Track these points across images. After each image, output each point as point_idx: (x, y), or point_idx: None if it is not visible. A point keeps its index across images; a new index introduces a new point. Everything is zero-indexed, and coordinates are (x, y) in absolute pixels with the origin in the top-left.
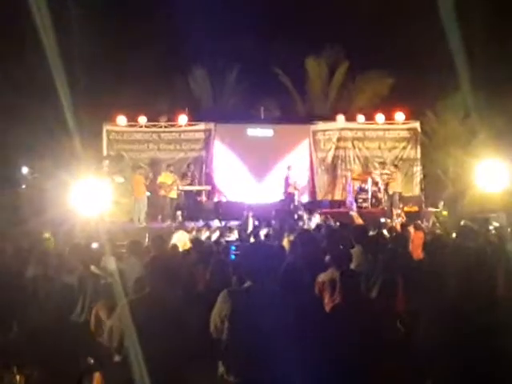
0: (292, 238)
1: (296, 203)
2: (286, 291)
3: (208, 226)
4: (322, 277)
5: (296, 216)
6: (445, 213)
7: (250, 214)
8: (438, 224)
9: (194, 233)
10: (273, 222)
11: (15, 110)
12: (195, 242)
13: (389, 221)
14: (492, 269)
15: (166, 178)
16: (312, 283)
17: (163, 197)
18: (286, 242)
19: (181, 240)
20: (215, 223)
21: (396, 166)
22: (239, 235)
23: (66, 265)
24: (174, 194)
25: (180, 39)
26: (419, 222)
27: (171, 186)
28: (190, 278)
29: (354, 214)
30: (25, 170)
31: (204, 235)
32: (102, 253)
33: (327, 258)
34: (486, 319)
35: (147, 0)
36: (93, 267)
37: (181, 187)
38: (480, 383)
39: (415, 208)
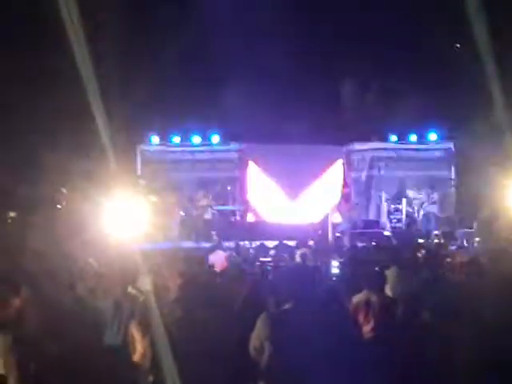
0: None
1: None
2: (327, 313)
3: (243, 247)
4: (357, 298)
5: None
6: None
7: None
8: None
9: (229, 253)
10: (309, 242)
11: (54, 134)
12: (232, 261)
13: (424, 241)
14: None
15: (200, 198)
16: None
17: (197, 217)
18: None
19: (217, 260)
20: (249, 244)
21: (432, 186)
22: (275, 256)
23: (102, 286)
24: (208, 215)
25: (214, 59)
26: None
27: (205, 206)
28: (226, 298)
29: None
30: (63, 191)
31: (239, 255)
32: (138, 273)
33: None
34: None
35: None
36: (130, 288)
37: (215, 207)
38: None
39: (449, 229)
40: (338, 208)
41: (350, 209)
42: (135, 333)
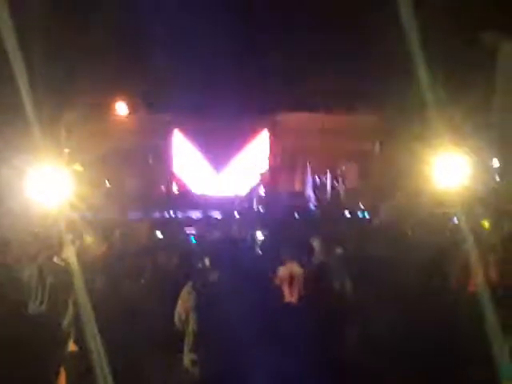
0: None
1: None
2: (249, 284)
3: (169, 217)
4: (281, 271)
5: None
6: None
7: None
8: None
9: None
10: (235, 214)
11: None
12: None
13: (349, 214)
14: (448, 263)
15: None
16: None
17: (122, 187)
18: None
19: (143, 230)
20: (174, 214)
21: (352, 158)
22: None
23: (26, 254)
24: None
25: (142, 26)
26: None
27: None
28: (151, 268)
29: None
30: None
31: (165, 226)
32: (62, 242)
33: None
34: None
35: None
36: (55, 258)
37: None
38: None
39: (374, 202)
40: (264, 180)
41: (276, 180)
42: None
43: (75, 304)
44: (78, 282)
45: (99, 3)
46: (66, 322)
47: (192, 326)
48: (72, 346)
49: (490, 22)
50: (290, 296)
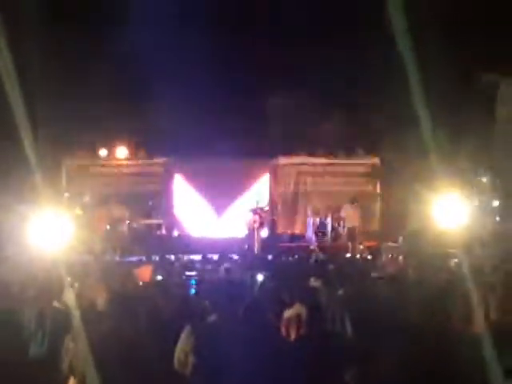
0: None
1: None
2: (248, 326)
3: (169, 260)
4: (288, 312)
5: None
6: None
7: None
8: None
9: (155, 267)
10: (234, 256)
11: None
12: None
13: (349, 256)
14: (449, 303)
15: (116, 211)
16: (277, 318)
17: (122, 231)
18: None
19: (143, 274)
20: (174, 258)
21: (354, 200)
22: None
23: (26, 297)
24: (123, 227)
25: (141, 75)
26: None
27: (121, 219)
28: (153, 311)
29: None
30: None
31: (165, 269)
32: (62, 286)
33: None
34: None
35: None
36: (55, 302)
37: (140, 221)
38: None
39: (374, 243)
40: (265, 222)
41: (276, 223)
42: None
43: (73, 347)
44: (78, 325)
45: (98, 54)
46: (64, 364)
47: (190, 368)
48: None
49: (489, 64)
50: (296, 337)
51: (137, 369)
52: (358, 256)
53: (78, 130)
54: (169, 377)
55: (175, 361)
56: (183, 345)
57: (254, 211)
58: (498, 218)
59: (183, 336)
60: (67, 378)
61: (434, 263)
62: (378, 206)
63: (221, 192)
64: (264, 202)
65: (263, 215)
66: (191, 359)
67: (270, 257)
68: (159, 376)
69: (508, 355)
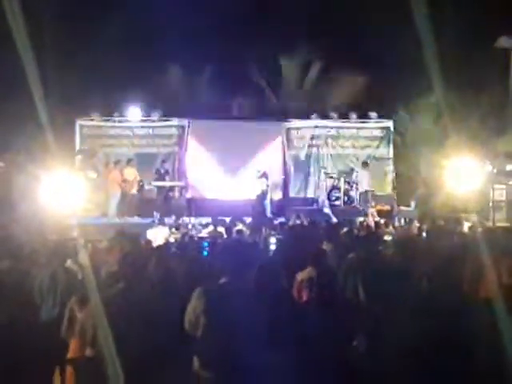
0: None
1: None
2: (260, 288)
3: (182, 222)
4: (301, 275)
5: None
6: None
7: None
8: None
9: (169, 229)
10: (245, 218)
11: None
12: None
13: (362, 219)
14: (460, 268)
15: (128, 173)
16: (288, 281)
17: (134, 193)
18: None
19: (158, 235)
20: (188, 219)
21: (366, 163)
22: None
23: (39, 259)
24: (134, 190)
25: (154, 37)
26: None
27: (132, 181)
28: (165, 273)
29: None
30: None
31: (179, 231)
32: (76, 247)
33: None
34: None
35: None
36: (69, 262)
37: (153, 183)
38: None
39: (387, 207)
40: (277, 185)
41: (288, 186)
42: (75, 308)
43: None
44: (91, 286)
45: (113, 10)
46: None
47: (201, 330)
48: (88, 351)
49: (503, 28)
50: (307, 299)
51: (150, 330)
52: (370, 219)
53: (91, 89)
54: (181, 338)
55: (186, 322)
56: (194, 306)
57: (265, 174)
58: (511, 182)
59: (194, 297)
60: (67, 341)
61: (446, 227)
62: (390, 170)
63: (234, 154)
64: (276, 166)
65: (273, 179)
66: (202, 320)
67: (282, 219)
68: (174, 338)
69: None
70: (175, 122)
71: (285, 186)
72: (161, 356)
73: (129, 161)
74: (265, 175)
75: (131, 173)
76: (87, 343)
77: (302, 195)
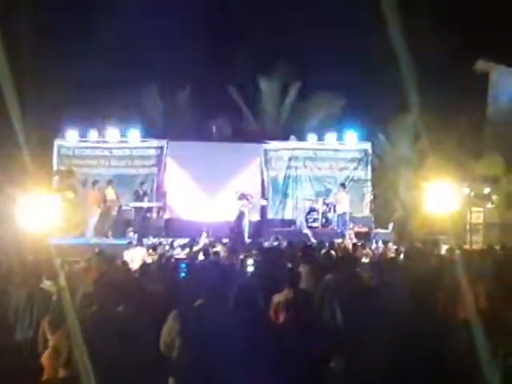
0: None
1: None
2: (237, 310)
3: (160, 243)
4: (278, 297)
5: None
6: None
7: (204, 230)
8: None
9: (146, 250)
10: (224, 240)
11: None
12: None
13: (340, 241)
14: (438, 289)
15: (109, 194)
16: (265, 302)
17: (113, 213)
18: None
19: (136, 256)
20: (165, 240)
21: (344, 185)
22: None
23: (16, 278)
24: (114, 211)
25: (133, 59)
26: None
27: (113, 202)
28: (140, 294)
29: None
30: None
31: (156, 252)
32: (52, 267)
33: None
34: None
35: (97, 14)
36: (46, 282)
37: (131, 204)
38: None
39: (365, 229)
40: (255, 206)
41: (267, 208)
42: (47, 329)
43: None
44: (67, 307)
45: (90, 31)
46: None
47: (176, 352)
48: (61, 372)
49: (481, 51)
50: (284, 321)
51: (123, 352)
52: (348, 241)
53: (69, 110)
54: (156, 359)
55: (161, 344)
56: (169, 328)
57: (243, 196)
58: (488, 205)
59: (169, 319)
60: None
61: (424, 249)
62: (368, 192)
63: (212, 175)
64: (254, 188)
65: (252, 200)
66: (177, 342)
67: (260, 241)
68: (149, 360)
69: (494, 342)
70: (154, 143)
71: (263, 208)
72: (136, 377)
73: (109, 182)
74: (243, 196)
75: (112, 193)
76: (60, 364)
77: (279, 217)
